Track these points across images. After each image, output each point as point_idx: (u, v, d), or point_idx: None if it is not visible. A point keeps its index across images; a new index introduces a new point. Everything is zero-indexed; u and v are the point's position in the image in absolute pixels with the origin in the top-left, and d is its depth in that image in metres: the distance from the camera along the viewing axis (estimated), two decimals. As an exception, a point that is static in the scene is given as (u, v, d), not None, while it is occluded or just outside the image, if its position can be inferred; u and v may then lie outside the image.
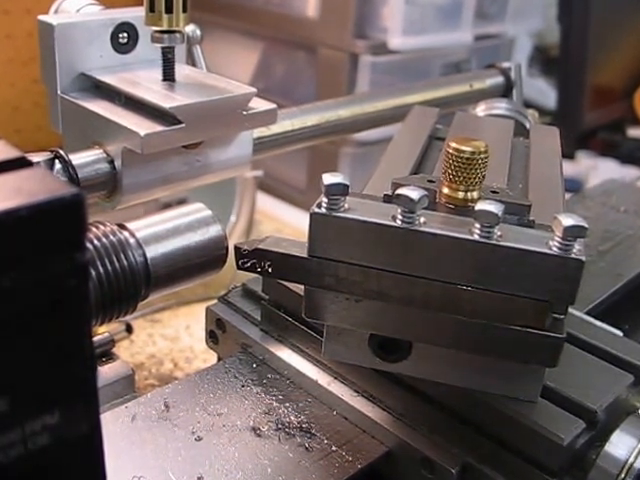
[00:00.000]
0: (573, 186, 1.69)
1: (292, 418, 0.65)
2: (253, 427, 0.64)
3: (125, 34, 0.76)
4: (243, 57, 1.78)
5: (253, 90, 0.73)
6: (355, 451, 0.62)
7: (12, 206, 0.33)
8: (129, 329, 1.13)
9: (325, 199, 0.52)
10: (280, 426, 0.64)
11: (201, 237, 0.51)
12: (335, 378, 0.67)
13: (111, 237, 0.46)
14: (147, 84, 0.73)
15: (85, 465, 0.42)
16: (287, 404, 0.66)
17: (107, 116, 0.70)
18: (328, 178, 0.52)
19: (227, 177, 0.79)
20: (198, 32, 0.83)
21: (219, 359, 0.77)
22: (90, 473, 0.42)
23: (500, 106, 0.95)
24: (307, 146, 0.93)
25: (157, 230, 0.49)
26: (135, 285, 0.46)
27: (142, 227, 0.48)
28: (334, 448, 0.62)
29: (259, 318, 0.73)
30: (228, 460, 0.60)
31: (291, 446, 0.62)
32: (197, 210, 0.52)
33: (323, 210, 0.52)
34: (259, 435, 0.63)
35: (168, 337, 1.21)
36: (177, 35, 0.71)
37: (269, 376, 0.70)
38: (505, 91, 1.10)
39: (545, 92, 2.11)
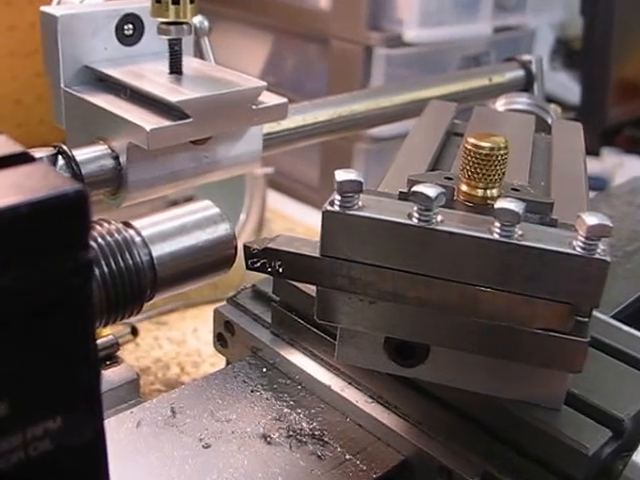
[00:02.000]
0: (598, 184, 1.69)
1: (304, 425, 0.65)
2: (263, 434, 0.64)
3: (130, 25, 0.76)
4: (253, 50, 1.78)
5: (263, 84, 0.73)
6: (370, 460, 0.62)
7: (12, 203, 0.33)
8: (134, 332, 1.13)
9: (338, 197, 0.52)
10: (291, 433, 0.64)
11: (209, 236, 0.50)
12: (349, 383, 0.67)
13: (116, 235, 0.46)
14: (153, 77, 0.73)
15: (88, 473, 0.42)
16: (299, 410, 0.66)
17: (112, 110, 0.69)
18: (341, 175, 0.51)
19: (236, 174, 0.79)
20: (206, 23, 0.83)
21: (227, 363, 0.77)
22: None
23: (521, 101, 0.94)
24: (319, 142, 0.93)
25: (163, 228, 0.49)
26: (140, 285, 0.46)
27: (148, 225, 0.48)
28: (348, 456, 0.62)
29: (269, 320, 0.73)
30: (237, 469, 0.60)
31: (303, 454, 0.62)
32: (205, 208, 0.52)
33: (336, 208, 0.52)
34: (269, 442, 0.63)
35: (174, 340, 1.21)
36: (184, 27, 0.71)
37: (280, 381, 0.69)
38: (526, 85, 1.09)
39: (567, 86, 2.11)
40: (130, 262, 0.45)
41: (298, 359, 0.70)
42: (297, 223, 1.60)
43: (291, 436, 0.64)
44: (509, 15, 1.71)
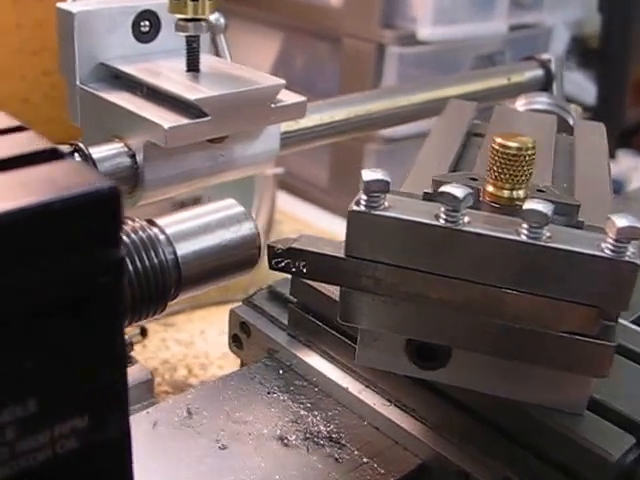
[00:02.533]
0: (614, 187, 1.68)
1: (321, 427, 0.65)
2: (280, 436, 0.64)
3: (147, 22, 0.77)
4: (262, 47, 1.78)
5: (282, 82, 0.73)
6: (387, 463, 0.63)
7: (44, 199, 0.34)
8: (143, 332, 1.14)
9: (364, 196, 0.53)
10: (308, 435, 0.65)
11: (233, 235, 0.51)
12: (366, 386, 0.68)
13: (141, 233, 0.47)
14: (170, 74, 0.73)
15: (114, 471, 0.42)
16: (315, 413, 0.67)
17: (129, 108, 0.70)
18: (368, 174, 0.52)
19: (252, 173, 0.80)
20: (222, 20, 0.84)
21: (242, 364, 0.77)
22: (118, 479, 0.43)
23: (541, 100, 0.95)
24: (334, 142, 0.94)
25: (188, 227, 0.49)
26: (165, 284, 0.47)
27: (172, 223, 0.49)
28: (365, 460, 0.63)
29: (286, 322, 0.74)
30: (254, 470, 0.61)
31: (320, 457, 0.63)
32: (229, 206, 0.53)
33: (362, 208, 0.53)
34: (286, 445, 0.64)
35: (182, 342, 1.21)
36: (202, 23, 0.72)
37: (296, 383, 0.70)
38: (544, 85, 1.10)
39: (583, 86, 2.11)
40: (155, 260, 0.46)
41: (315, 361, 0.71)
42: (306, 224, 1.60)
43: (308, 438, 0.64)
44: (525, 13, 1.71)
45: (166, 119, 0.67)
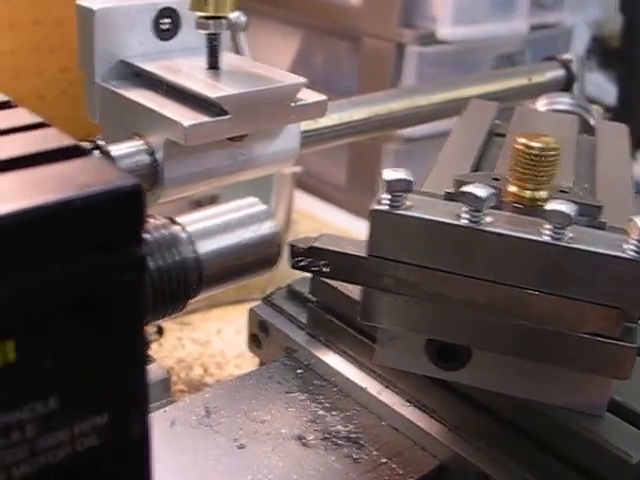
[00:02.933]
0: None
1: (339, 427, 0.66)
2: (298, 436, 0.65)
3: (167, 20, 0.77)
4: (281, 46, 1.78)
5: (302, 80, 0.73)
6: (406, 464, 0.63)
7: (67, 197, 0.34)
8: (160, 331, 1.14)
9: (386, 195, 0.53)
10: (327, 435, 0.65)
11: (254, 233, 0.51)
12: (386, 386, 0.68)
13: (162, 231, 0.47)
14: (190, 72, 0.73)
15: (134, 469, 0.42)
16: (334, 412, 0.67)
17: (149, 105, 0.70)
18: (390, 174, 0.52)
19: (272, 172, 0.80)
20: (243, 18, 0.83)
21: (261, 364, 0.78)
22: (138, 477, 0.43)
23: (563, 101, 0.95)
24: (353, 141, 0.94)
25: (209, 225, 0.49)
26: (186, 282, 0.47)
27: (193, 221, 0.49)
28: (383, 460, 0.63)
29: (305, 321, 0.74)
30: (272, 470, 0.61)
31: (338, 457, 0.63)
32: (251, 205, 0.53)
33: (384, 207, 0.53)
34: (304, 444, 0.64)
35: (198, 341, 1.21)
36: (223, 21, 0.72)
37: (315, 382, 0.70)
38: (565, 85, 1.10)
39: (603, 87, 2.10)
40: (176, 258, 0.46)
41: (334, 361, 0.71)
42: (324, 224, 1.60)
43: (326, 438, 0.65)
44: (546, 13, 1.71)
45: (186, 117, 0.68)
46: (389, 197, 0.53)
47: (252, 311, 0.76)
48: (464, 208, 0.52)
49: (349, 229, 1.51)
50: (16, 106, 0.45)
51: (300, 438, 0.64)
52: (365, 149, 1.60)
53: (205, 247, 0.48)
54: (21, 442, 0.37)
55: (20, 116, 0.43)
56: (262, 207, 0.53)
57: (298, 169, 1.41)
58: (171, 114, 0.68)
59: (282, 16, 1.77)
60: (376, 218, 0.53)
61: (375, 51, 1.58)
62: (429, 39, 1.54)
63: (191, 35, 0.77)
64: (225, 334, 1.24)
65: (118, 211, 0.36)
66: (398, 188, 0.52)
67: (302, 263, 0.55)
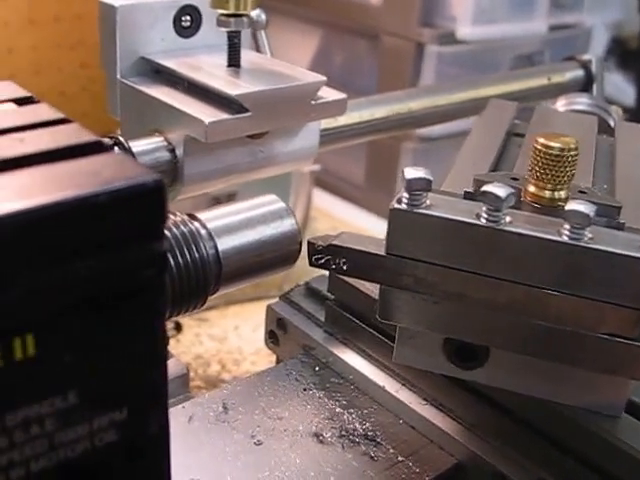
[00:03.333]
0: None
1: (357, 425, 0.65)
2: (315, 433, 0.64)
3: (188, 17, 0.77)
4: (300, 44, 1.78)
5: (323, 78, 0.73)
6: (422, 462, 0.63)
7: (90, 192, 0.34)
8: (178, 327, 1.14)
9: (406, 194, 0.53)
10: (344, 433, 0.65)
11: (274, 230, 0.51)
12: (403, 385, 0.68)
13: (182, 227, 0.47)
14: (211, 70, 0.74)
15: (152, 465, 0.42)
16: (351, 410, 0.67)
17: (169, 102, 0.70)
18: (410, 172, 0.52)
19: (290, 170, 0.80)
20: (263, 16, 0.84)
21: (278, 361, 0.78)
22: (156, 473, 0.43)
23: (582, 101, 0.94)
24: (373, 140, 0.94)
25: (229, 222, 0.49)
26: (206, 279, 0.47)
27: (213, 218, 0.49)
28: (400, 458, 0.63)
29: (323, 319, 0.74)
30: (289, 467, 0.61)
31: (355, 454, 0.63)
32: (271, 202, 0.53)
33: (404, 206, 0.53)
34: (322, 442, 0.64)
35: (215, 337, 1.22)
36: (244, 19, 0.72)
37: (332, 380, 0.70)
38: (585, 85, 1.09)
39: (621, 87, 2.09)
40: (196, 255, 0.46)
41: (352, 359, 0.71)
42: (342, 222, 1.60)
43: (343, 436, 0.64)
44: (565, 13, 1.70)
45: (207, 114, 0.68)
46: (409, 196, 0.52)
47: (270, 308, 0.76)
48: (484, 208, 0.52)
49: (367, 227, 1.51)
50: (39, 102, 0.45)
51: (317, 435, 0.64)
52: (383, 148, 1.60)
53: (225, 244, 0.48)
54: (40, 436, 0.37)
55: (43, 112, 0.43)
56: (283, 204, 0.53)
57: (317, 167, 1.41)
58: (192, 111, 0.68)
59: (302, 14, 1.77)
60: (396, 217, 0.53)
61: (394, 50, 1.58)
62: (448, 39, 1.54)
63: (211, 32, 0.77)
64: (242, 331, 1.24)
65: (140, 207, 0.36)
66: (418, 187, 0.52)
67: (321, 261, 0.55)
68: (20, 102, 0.45)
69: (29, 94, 0.46)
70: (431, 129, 1.47)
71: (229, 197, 1.15)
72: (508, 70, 1.63)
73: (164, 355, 0.40)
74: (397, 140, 1.57)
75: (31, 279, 0.33)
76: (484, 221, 0.52)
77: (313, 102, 0.73)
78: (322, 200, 1.66)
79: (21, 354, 0.34)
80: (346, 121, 0.85)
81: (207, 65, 0.75)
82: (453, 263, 0.53)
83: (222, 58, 0.75)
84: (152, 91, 0.73)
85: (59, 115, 0.43)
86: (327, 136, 0.83)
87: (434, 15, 1.56)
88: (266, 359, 1.19)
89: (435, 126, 1.08)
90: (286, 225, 0.52)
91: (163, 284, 0.38)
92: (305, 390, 0.69)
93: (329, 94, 0.75)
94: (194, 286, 0.46)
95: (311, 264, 0.56)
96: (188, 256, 0.46)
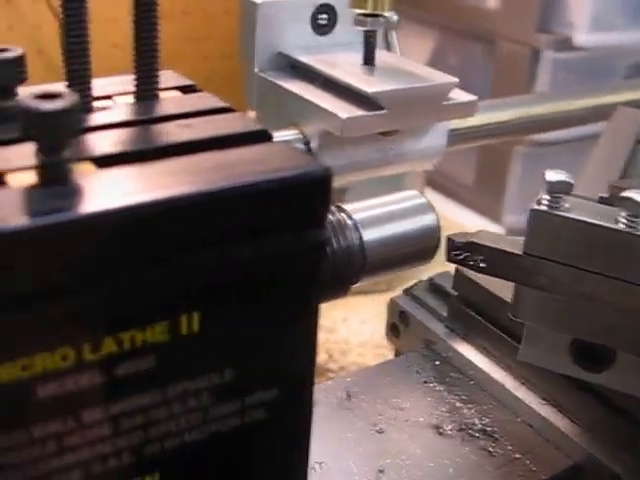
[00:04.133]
0: None
1: (475, 420, 0.66)
2: (435, 425, 0.65)
3: (325, 15, 0.78)
4: (416, 46, 1.78)
5: (455, 80, 0.74)
6: (539, 461, 0.62)
7: (262, 178, 0.35)
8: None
9: (547, 196, 0.53)
10: (463, 427, 0.65)
11: (415, 225, 0.51)
12: (522, 383, 0.67)
13: (331, 217, 0.47)
14: (346, 67, 0.74)
15: (294, 444, 0.43)
16: (470, 405, 0.67)
17: (306, 97, 0.71)
18: (552, 175, 0.52)
19: (417, 168, 0.80)
20: (395, 17, 0.84)
21: (396, 354, 0.78)
22: (298, 454, 0.44)
23: None
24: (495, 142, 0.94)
25: (373, 214, 0.50)
26: (351, 269, 0.47)
27: (358, 210, 0.49)
28: (517, 456, 0.63)
29: (445, 314, 0.74)
30: (409, 456, 0.61)
31: (473, 449, 0.63)
32: (412, 197, 0.53)
33: (544, 208, 0.53)
34: (441, 434, 0.64)
35: (324, 327, 1.23)
36: (380, 19, 0.73)
37: (452, 375, 0.70)
38: None
39: None
40: (343, 244, 0.47)
41: (472, 354, 0.71)
42: (452, 223, 1.60)
43: (462, 430, 0.65)
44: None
45: (343, 109, 0.68)
46: (549, 198, 0.52)
47: (393, 301, 0.77)
48: (622, 213, 0.51)
49: (475, 228, 1.50)
50: (201, 90, 0.46)
51: (437, 427, 0.64)
52: (495, 151, 1.59)
53: (370, 235, 0.48)
54: (196, 409, 0.38)
55: (207, 100, 0.44)
56: (424, 200, 0.53)
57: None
58: (329, 106, 0.69)
59: (419, 17, 1.77)
60: (535, 218, 0.53)
61: (510, 55, 1.57)
62: (564, 45, 1.52)
63: (345, 31, 0.78)
64: (350, 322, 1.25)
65: (308, 195, 0.36)
66: (558, 189, 0.52)
67: (459, 257, 0.56)
68: (184, 90, 0.46)
69: (192, 82, 0.47)
70: (542, 134, 1.46)
71: (340, 192, 1.16)
72: (622, 78, 1.60)
73: (315, 340, 0.41)
74: (509, 144, 1.56)
75: (201, 259, 0.35)
76: (622, 226, 0.51)
77: (445, 102, 0.74)
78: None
79: (186, 330, 0.36)
80: (475, 122, 0.85)
81: (343, 62, 0.75)
82: (588, 265, 0.53)
83: (356, 56, 0.76)
84: (289, 85, 0.74)
85: (223, 104, 0.44)
86: (454, 136, 0.83)
87: (551, 21, 1.55)
88: (372, 352, 1.19)
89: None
90: (427, 220, 0.52)
91: (321, 271, 0.39)
92: (425, 383, 0.69)
93: (459, 95, 0.75)
94: (340, 275, 0.47)
95: (449, 259, 0.57)
96: (335, 245, 0.47)
